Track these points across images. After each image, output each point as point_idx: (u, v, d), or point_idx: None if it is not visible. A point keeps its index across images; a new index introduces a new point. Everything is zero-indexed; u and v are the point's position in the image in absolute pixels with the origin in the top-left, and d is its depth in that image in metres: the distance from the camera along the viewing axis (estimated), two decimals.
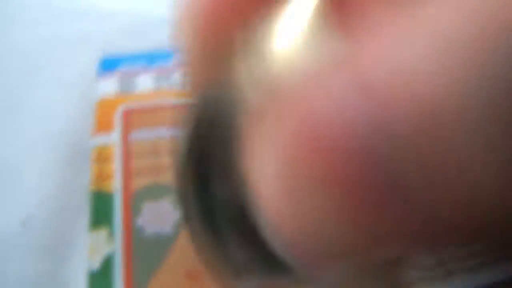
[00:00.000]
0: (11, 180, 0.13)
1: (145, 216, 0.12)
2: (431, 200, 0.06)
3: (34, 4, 0.17)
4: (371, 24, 0.07)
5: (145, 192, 0.13)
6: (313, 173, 0.06)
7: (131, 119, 0.15)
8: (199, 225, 0.09)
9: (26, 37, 0.16)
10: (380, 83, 0.06)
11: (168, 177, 0.13)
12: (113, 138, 0.14)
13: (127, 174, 0.13)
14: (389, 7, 0.06)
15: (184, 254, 0.11)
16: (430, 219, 0.07)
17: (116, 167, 0.13)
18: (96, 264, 0.11)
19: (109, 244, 0.11)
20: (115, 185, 0.13)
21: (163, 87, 0.16)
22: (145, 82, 0.16)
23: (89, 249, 0.11)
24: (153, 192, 0.13)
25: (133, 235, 0.12)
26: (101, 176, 0.13)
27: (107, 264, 0.11)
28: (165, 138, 0.14)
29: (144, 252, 0.11)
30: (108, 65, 0.16)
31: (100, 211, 0.12)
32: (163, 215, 0.12)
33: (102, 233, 0.12)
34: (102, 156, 0.13)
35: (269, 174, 0.07)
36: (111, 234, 0.12)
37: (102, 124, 0.14)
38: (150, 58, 0.17)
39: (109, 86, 0.16)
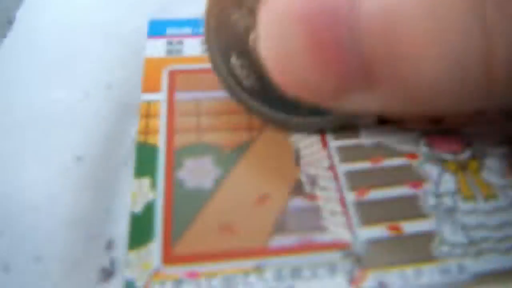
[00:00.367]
0: (70, 120, 0.13)
1: (186, 170, 0.13)
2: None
3: None
4: None
5: (187, 149, 0.13)
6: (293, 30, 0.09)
7: (176, 80, 0.15)
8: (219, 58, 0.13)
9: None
10: None
11: (209, 137, 0.14)
12: (159, 96, 0.15)
13: (171, 131, 0.14)
14: None
15: (219, 209, 0.12)
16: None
17: (161, 123, 0.14)
18: (138, 208, 0.12)
19: (151, 192, 0.12)
20: (160, 139, 0.13)
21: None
22: (191, 47, 0.17)
23: (132, 194, 0.12)
24: (195, 150, 0.13)
25: (173, 187, 0.12)
26: (148, 130, 0.14)
27: (148, 210, 0.12)
28: (207, 100, 0.15)
29: (183, 202, 0.12)
30: (157, 27, 0.17)
31: (145, 162, 0.13)
32: (203, 171, 0.13)
33: (145, 181, 0.12)
34: (149, 112, 0.14)
35: (268, 28, 0.10)
36: (153, 184, 0.12)
37: (150, 82, 0.15)
38: (196, 24, 0.17)
39: (157, 47, 0.16)
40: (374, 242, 0.12)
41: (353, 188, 0.13)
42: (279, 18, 0.09)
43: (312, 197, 0.13)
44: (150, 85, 0.15)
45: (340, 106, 0.11)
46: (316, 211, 0.12)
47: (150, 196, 0.12)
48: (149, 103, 0.14)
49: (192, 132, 0.14)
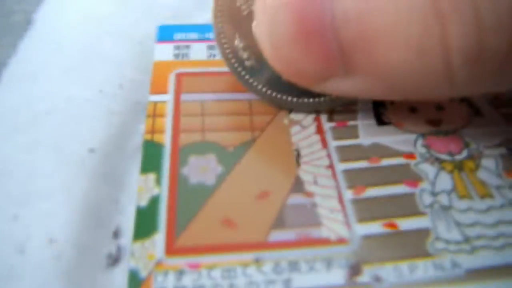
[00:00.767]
0: (85, 115, 0.14)
1: (190, 167, 0.13)
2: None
3: None
4: None
5: (192, 147, 0.14)
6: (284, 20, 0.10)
7: (182, 82, 0.16)
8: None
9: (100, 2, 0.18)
10: None
11: (213, 137, 0.14)
12: (166, 97, 0.15)
13: (176, 130, 0.14)
14: None
15: (222, 204, 0.13)
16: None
17: (167, 122, 0.14)
18: (143, 201, 0.12)
19: (156, 187, 0.13)
20: (166, 138, 0.14)
21: (215, 58, 0.17)
22: (198, 51, 0.17)
23: (138, 188, 0.13)
24: (199, 148, 0.14)
25: (178, 182, 0.13)
26: (154, 129, 0.14)
27: (153, 203, 0.12)
28: (211, 101, 0.15)
29: (187, 197, 0.13)
30: (165, 33, 0.18)
31: (151, 159, 0.13)
32: (206, 168, 0.13)
33: (151, 177, 0.13)
34: (156, 112, 0.15)
35: (262, 21, 0.11)
36: (159, 179, 0.13)
37: (158, 84, 0.16)
38: (202, 30, 0.18)
39: (165, 51, 0.17)
40: (370, 238, 0.12)
41: (351, 186, 0.13)
42: (270, 5, 0.10)
43: (311, 194, 0.13)
44: (158, 87, 0.16)
45: (323, 89, 0.12)
46: (314, 208, 0.13)
47: (156, 191, 0.13)
48: (156, 103, 0.15)
49: (196, 132, 0.14)
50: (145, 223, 0.12)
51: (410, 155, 0.14)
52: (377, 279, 0.11)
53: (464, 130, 0.15)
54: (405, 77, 0.10)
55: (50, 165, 0.13)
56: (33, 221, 0.12)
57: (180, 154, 0.14)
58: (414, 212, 0.13)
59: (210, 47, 0.17)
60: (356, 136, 0.14)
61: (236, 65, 0.14)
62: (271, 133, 0.14)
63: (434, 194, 0.13)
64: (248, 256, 0.12)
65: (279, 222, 0.12)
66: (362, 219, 0.12)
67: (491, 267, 0.11)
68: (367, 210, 0.13)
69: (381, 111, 0.15)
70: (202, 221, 0.12)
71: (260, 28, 0.11)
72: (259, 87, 0.14)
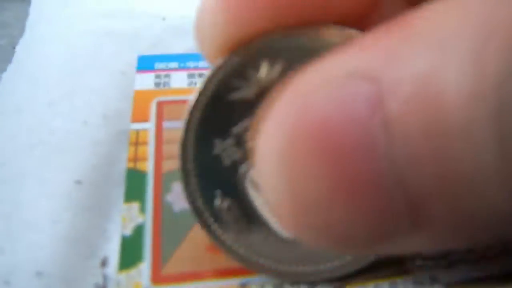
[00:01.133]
0: (70, 146, 0.14)
1: (174, 193, 0.14)
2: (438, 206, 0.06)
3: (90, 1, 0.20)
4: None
5: (175, 174, 0.14)
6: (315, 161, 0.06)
7: (164, 110, 0.16)
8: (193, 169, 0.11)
9: (83, 31, 0.18)
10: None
11: None
12: (148, 125, 0.15)
13: (159, 157, 0.15)
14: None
15: None
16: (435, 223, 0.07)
17: (149, 150, 0.15)
18: (128, 230, 0.13)
19: (140, 216, 0.13)
20: (148, 165, 0.14)
21: (195, 86, 0.17)
22: (178, 80, 0.18)
23: (122, 218, 0.13)
24: None
25: (162, 210, 0.13)
26: (137, 157, 0.14)
27: (138, 232, 0.13)
28: None
29: (171, 225, 0.13)
30: (145, 62, 0.18)
31: (134, 187, 0.14)
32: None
33: (135, 205, 0.13)
34: (138, 140, 0.15)
35: (270, 149, 0.07)
36: (142, 207, 0.13)
37: (139, 112, 0.16)
38: (182, 59, 0.19)
39: (146, 81, 0.17)
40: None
41: None
42: (286, 145, 0.07)
43: None
44: (139, 115, 0.16)
45: (374, 251, 0.09)
46: None
47: (140, 219, 0.13)
48: (138, 131, 0.15)
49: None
50: (130, 252, 0.12)
51: None
52: None
53: None
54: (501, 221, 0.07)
55: (36, 197, 0.13)
56: (20, 253, 0.11)
57: (163, 181, 0.14)
58: None
59: (190, 76, 0.18)
60: None
61: (217, 232, 0.11)
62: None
63: None
64: (233, 281, 0.12)
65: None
66: None
67: (468, 280, 0.12)
68: None
69: None
70: (188, 248, 0.12)
71: (268, 181, 0.07)
72: (252, 256, 0.11)
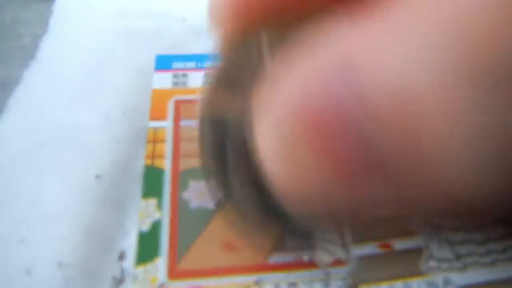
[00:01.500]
0: (91, 141, 0.15)
1: (190, 191, 0.14)
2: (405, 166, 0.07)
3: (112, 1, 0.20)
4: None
5: (191, 172, 0.14)
6: (304, 137, 0.07)
7: (181, 109, 0.16)
8: (212, 162, 0.11)
9: (105, 29, 0.19)
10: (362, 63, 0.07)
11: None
12: (166, 123, 0.16)
13: (176, 155, 0.15)
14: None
15: (222, 227, 0.13)
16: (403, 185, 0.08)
17: (167, 148, 0.15)
18: (145, 226, 0.13)
19: (157, 212, 0.13)
20: (166, 163, 0.14)
21: None
22: (195, 79, 0.18)
23: (140, 213, 0.13)
24: (199, 173, 0.14)
25: (179, 206, 0.13)
26: (154, 154, 0.15)
27: (155, 228, 0.13)
28: None
29: (187, 221, 0.13)
30: (163, 62, 0.18)
31: (152, 184, 0.14)
32: (206, 192, 0.14)
33: (152, 202, 0.13)
34: (156, 138, 0.15)
35: (269, 136, 0.08)
36: (160, 204, 0.13)
37: (157, 111, 0.16)
38: (199, 59, 0.19)
39: (164, 80, 0.18)
40: (366, 259, 0.12)
41: None
42: (279, 125, 0.08)
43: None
44: (157, 114, 0.16)
45: (357, 216, 0.09)
46: (312, 231, 0.13)
47: (157, 215, 0.13)
48: (155, 129, 0.15)
49: (196, 157, 0.15)
50: (147, 247, 0.12)
51: None
52: None
53: None
54: (471, 188, 0.07)
55: (57, 190, 0.13)
56: (41, 244, 0.12)
57: (180, 179, 0.14)
58: (407, 232, 0.13)
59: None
60: None
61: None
62: None
63: None
64: (249, 278, 0.12)
65: (279, 245, 0.13)
66: (357, 240, 0.13)
67: (482, 283, 0.12)
68: (363, 231, 0.13)
69: None
70: (203, 244, 0.13)
71: (270, 161, 0.08)
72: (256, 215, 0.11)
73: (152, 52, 0.18)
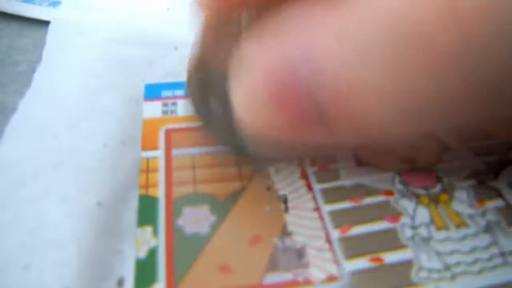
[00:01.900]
0: (91, 167, 0.15)
1: (184, 218, 0.14)
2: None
3: (104, 28, 0.21)
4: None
5: (185, 199, 0.15)
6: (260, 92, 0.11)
7: (172, 137, 0.17)
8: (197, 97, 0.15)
9: (97, 58, 0.19)
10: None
11: (204, 188, 0.15)
12: (158, 153, 0.16)
13: (169, 184, 0.15)
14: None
15: (217, 251, 0.13)
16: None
17: (160, 177, 0.15)
18: (142, 253, 0.13)
19: (153, 239, 0.13)
20: (160, 191, 0.15)
21: None
22: (185, 107, 0.18)
23: (136, 241, 0.13)
24: (192, 199, 0.15)
25: (174, 233, 0.14)
26: (148, 184, 0.15)
27: (151, 255, 0.13)
28: (201, 154, 0.16)
29: (183, 247, 0.13)
30: (153, 91, 0.19)
31: (147, 212, 0.14)
32: (200, 218, 0.14)
33: (148, 229, 0.14)
34: (149, 167, 0.16)
35: (243, 96, 0.11)
36: (155, 231, 0.14)
37: (149, 140, 0.17)
38: None
39: (153, 109, 0.18)
40: (359, 274, 0.13)
41: (337, 226, 0.14)
42: (247, 72, 0.11)
43: (300, 236, 0.14)
44: (149, 143, 0.16)
45: (301, 141, 0.12)
46: (304, 249, 0.13)
47: (153, 242, 0.13)
48: (148, 159, 0.16)
49: (188, 184, 0.15)
50: (144, 274, 0.13)
51: (390, 192, 0.15)
52: None
53: (436, 165, 0.16)
54: (384, 128, 0.10)
55: (60, 217, 0.13)
56: (45, 270, 0.12)
57: (174, 206, 0.14)
58: (397, 245, 0.13)
59: None
60: (338, 178, 0.15)
61: (211, 121, 0.15)
62: (258, 180, 0.15)
63: (414, 227, 0.14)
64: None
65: (273, 265, 0.13)
66: (349, 256, 0.13)
67: None
68: (354, 247, 0.13)
69: (359, 153, 0.16)
70: (200, 269, 0.13)
71: (236, 93, 0.12)
72: (235, 142, 0.14)
73: (146, 81, 0.19)
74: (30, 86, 0.18)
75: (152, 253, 0.13)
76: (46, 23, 0.22)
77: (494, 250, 0.13)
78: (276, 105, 0.11)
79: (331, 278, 0.13)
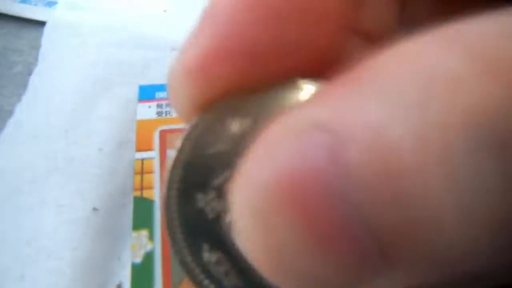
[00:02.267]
0: (84, 173, 0.15)
1: None
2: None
3: (100, 30, 0.20)
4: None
5: None
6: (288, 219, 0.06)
7: (167, 139, 0.17)
8: (178, 228, 0.10)
9: (93, 60, 0.19)
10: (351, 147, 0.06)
11: None
12: (153, 154, 0.16)
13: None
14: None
15: None
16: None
17: (155, 178, 0.15)
18: (138, 258, 0.13)
19: (149, 243, 0.13)
20: (155, 193, 0.15)
21: None
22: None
23: (132, 246, 0.13)
24: None
25: None
26: (143, 186, 0.15)
27: (147, 259, 0.13)
28: None
29: None
30: (147, 92, 0.19)
31: (142, 215, 0.14)
32: None
33: (144, 233, 0.13)
34: (144, 169, 0.15)
35: (244, 210, 0.07)
36: (151, 235, 0.13)
37: (143, 142, 0.16)
38: None
39: (148, 110, 0.18)
40: None
41: None
42: (257, 198, 0.07)
43: None
44: (143, 145, 0.16)
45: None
46: None
47: (149, 246, 0.13)
48: (143, 160, 0.16)
49: None
50: (141, 279, 0.12)
51: None
52: None
53: None
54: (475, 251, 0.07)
55: (56, 225, 0.13)
56: (40, 280, 0.12)
57: None
58: None
59: None
60: None
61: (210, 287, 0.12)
62: None
63: None
64: None
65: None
66: None
67: None
68: None
69: None
70: None
71: (247, 237, 0.07)
72: None
73: (141, 83, 0.19)
74: (26, 90, 0.18)
75: (148, 257, 0.13)
76: (42, 24, 0.22)
77: None
78: (297, 224, 0.07)
79: None
